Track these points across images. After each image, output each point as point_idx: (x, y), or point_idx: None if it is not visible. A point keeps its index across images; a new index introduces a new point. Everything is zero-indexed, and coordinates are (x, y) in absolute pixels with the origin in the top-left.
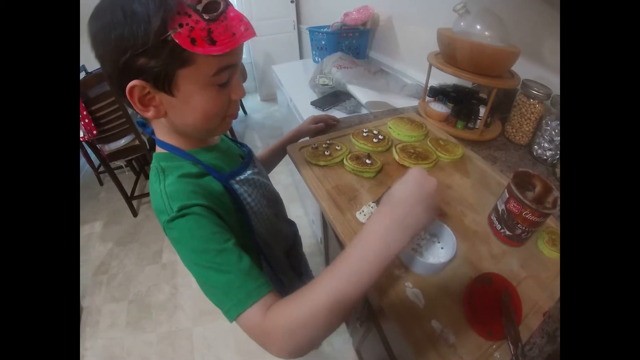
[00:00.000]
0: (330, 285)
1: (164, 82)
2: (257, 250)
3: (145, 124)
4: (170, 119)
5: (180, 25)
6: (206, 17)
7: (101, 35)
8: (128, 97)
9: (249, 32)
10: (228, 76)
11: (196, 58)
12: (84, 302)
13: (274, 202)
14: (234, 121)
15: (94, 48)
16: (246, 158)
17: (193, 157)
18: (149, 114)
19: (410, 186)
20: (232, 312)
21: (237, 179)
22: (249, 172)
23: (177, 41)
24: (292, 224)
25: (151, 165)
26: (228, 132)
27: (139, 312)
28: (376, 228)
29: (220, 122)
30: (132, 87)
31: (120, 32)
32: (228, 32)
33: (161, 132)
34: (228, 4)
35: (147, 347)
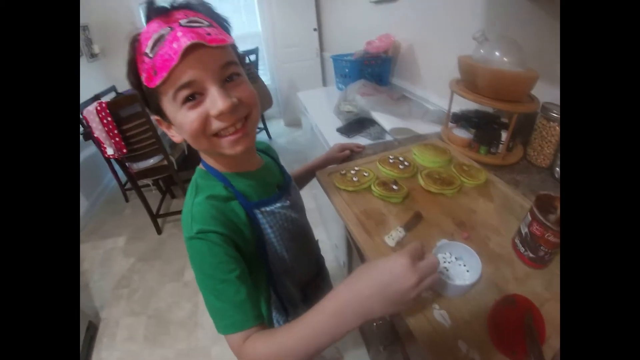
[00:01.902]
0: (296, 338)
1: (162, 115)
2: (268, 279)
3: None
4: None
5: (143, 72)
6: (150, 55)
7: None
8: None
9: (181, 43)
10: (190, 93)
11: (157, 90)
12: (103, 314)
13: (300, 236)
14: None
15: None
16: (281, 189)
17: (226, 181)
18: (175, 138)
19: (382, 277)
20: (220, 331)
21: (263, 209)
22: (278, 204)
23: (146, 85)
24: (319, 258)
25: (192, 176)
26: (278, 157)
27: (157, 327)
28: (334, 302)
29: (209, 142)
30: (156, 120)
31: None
32: (165, 56)
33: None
34: (173, 29)
35: None
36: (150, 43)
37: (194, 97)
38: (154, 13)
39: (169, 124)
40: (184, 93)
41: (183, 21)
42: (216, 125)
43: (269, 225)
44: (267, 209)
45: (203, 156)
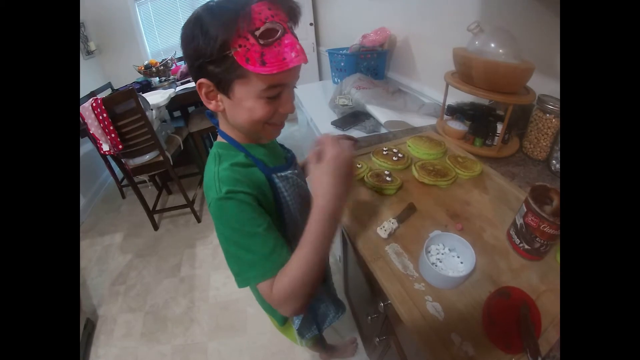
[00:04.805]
0: (304, 256)
1: (224, 86)
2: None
3: (212, 115)
4: (227, 114)
5: (240, 46)
6: (261, 42)
7: (185, 42)
8: (197, 89)
9: (299, 58)
10: (277, 92)
11: (249, 74)
12: (100, 311)
13: (309, 204)
14: None
15: (182, 49)
16: (289, 160)
17: (246, 150)
18: (211, 106)
19: (326, 168)
20: (251, 280)
21: (279, 174)
22: (289, 171)
23: (235, 58)
24: None
25: (210, 150)
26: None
27: (154, 324)
28: (315, 215)
29: (262, 127)
30: (200, 83)
31: (197, 44)
32: (279, 56)
33: (224, 124)
34: (286, 31)
35: (160, 359)
36: (262, 28)
37: (275, 95)
38: None
39: (218, 93)
40: (276, 91)
41: (289, 24)
42: (275, 118)
43: (284, 190)
44: (282, 174)
45: (225, 129)
